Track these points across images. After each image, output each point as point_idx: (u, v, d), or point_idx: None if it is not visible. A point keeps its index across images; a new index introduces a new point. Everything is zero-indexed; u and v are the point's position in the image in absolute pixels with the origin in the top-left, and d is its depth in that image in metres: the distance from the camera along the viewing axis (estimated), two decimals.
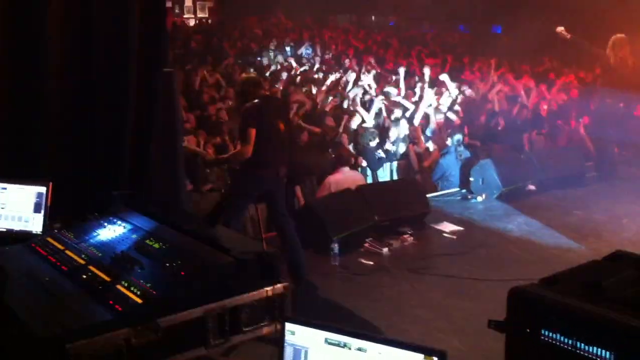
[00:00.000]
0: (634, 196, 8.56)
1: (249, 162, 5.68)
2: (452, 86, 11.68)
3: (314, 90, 11.67)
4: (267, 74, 13.39)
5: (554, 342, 1.99)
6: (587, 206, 8.31)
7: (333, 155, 8.57)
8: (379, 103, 10.27)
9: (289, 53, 16.54)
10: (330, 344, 2.31)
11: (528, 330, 2.07)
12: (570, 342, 1.96)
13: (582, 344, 1.92)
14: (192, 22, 20.64)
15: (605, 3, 15.02)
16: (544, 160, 9.27)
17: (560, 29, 9.20)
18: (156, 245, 3.42)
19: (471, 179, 8.89)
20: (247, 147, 5.62)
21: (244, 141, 5.64)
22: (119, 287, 3.05)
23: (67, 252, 3.54)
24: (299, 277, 5.84)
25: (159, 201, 4.98)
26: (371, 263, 6.61)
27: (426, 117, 10.18)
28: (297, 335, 2.40)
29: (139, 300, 2.92)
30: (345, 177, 7.99)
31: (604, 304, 1.97)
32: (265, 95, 5.90)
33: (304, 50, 16.63)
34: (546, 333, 2.02)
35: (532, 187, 8.98)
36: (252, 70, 13.47)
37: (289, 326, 2.43)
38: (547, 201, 8.64)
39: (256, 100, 5.71)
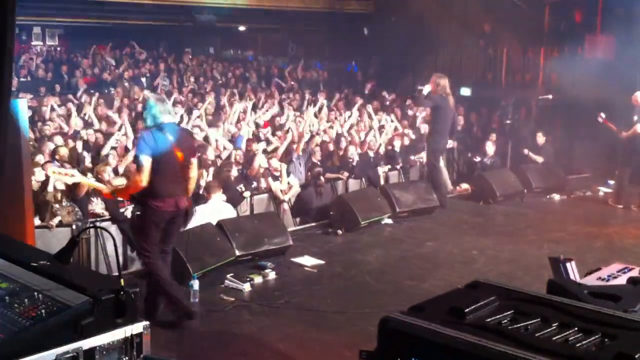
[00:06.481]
0: (481, 230, 9.09)
1: (146, 193, 5.41)
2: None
3: None
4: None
5: None
6: (438, 238, 8.70)
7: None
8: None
9: (144, 84, 16.19)
10: None
11: None
12: None
13: None
14: (40, 50, 19.64)
15: None
16: (399, 194, 9.62)
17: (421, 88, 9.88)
18: (2, 285, 3.15)
19: (331, 212, 9.06)
20: (141, 176, 5.36)
21: (139, 170, 5.38)
22: None
23: None
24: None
25: (5, 238, 4.62)
26: (232, 299, 6.50)
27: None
28: None
29: None
30: (212, 209, 7.88)
31: (469, 331, 2.04)
32: (169, 123, 5.55)
33: (160, 82, 16.35)
34: None
35: (388, 221, 9.28)
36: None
37: None
38: (402, 233, 8.95)
39: (156, 127, 5.44)
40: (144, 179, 5.36)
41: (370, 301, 6.36)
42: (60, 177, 6.02)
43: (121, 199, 6.28)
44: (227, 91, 15.13)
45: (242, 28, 20.21)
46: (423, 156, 11.60)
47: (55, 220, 7.53)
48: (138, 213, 5.84)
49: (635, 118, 10.27)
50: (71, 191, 7.94)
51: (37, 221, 7.13)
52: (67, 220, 7.66)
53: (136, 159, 5.48)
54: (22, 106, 5.34)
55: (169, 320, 5.74)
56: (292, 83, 17.48)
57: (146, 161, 5.34)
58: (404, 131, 12.50)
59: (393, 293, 6.65)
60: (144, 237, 5.59)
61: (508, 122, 12.93)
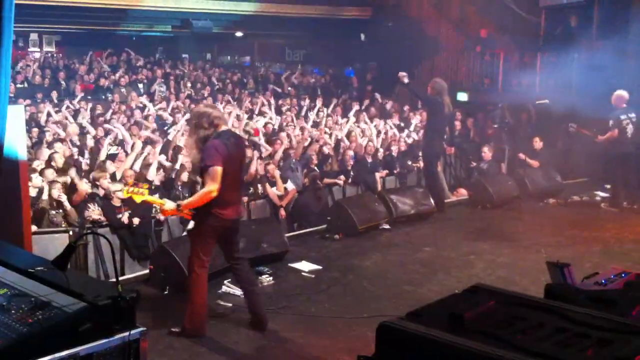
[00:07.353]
0: (478, 235, 9.09)
1: (212, 201, 5.30)
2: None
3: None
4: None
5: None
6: (436, 243, 8.70)
7: None
8: None
9: (141, 90, 16.19)
10: None
11: None
12: None
13: None
14: (37, 56, 19.64)
15: None
16: (396, 199, 9.62)
17: (402, 74, 9.92)
18: (0, 291, 3.14)
19: (328, 218, 9.06)
20: (216, 187, 5.20)
21: (213, 181, 5.20)
22: None
23: None
24: (261, 320, 5.83)
25: (2, 245, 4.61)
26: (229, 304, 6.48)
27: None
28: None
29: None
30: None
31: (469, 336, 2.04)
32: (227, 130, 5.48)
33: (157, 88, 16.35)
34: None
35: (386, 226, 9.28)
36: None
37: None
38: (399, 238, 8.95)
39: (219, 135, 5.31)
40: (215, 190, 5.22)
41: (368, 306, 6.35)
42: (133, 195, 5.80)
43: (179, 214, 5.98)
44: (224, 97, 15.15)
45: (239, 34, 20.23)
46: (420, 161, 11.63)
47: (53, 227, 7.52)
48: (194, 221, 5.65)
49: (611, 123, 10.26)
50: (68, 197, 7.93)
51: (33, 227, 7.11)
52: (65, 226, 7.64)
53: (206, 171, 5.24)
54: (18, 112, 5.32)
55: (167, 326, 5.73)
56: (290, 89, 17.51)
57: (220, 172, 5.21)
58: (400, 136, 12.53)
59: (391, 298, 6.64)
60: (200, 244, 5.49)
61: (495, 126, 13.01)
